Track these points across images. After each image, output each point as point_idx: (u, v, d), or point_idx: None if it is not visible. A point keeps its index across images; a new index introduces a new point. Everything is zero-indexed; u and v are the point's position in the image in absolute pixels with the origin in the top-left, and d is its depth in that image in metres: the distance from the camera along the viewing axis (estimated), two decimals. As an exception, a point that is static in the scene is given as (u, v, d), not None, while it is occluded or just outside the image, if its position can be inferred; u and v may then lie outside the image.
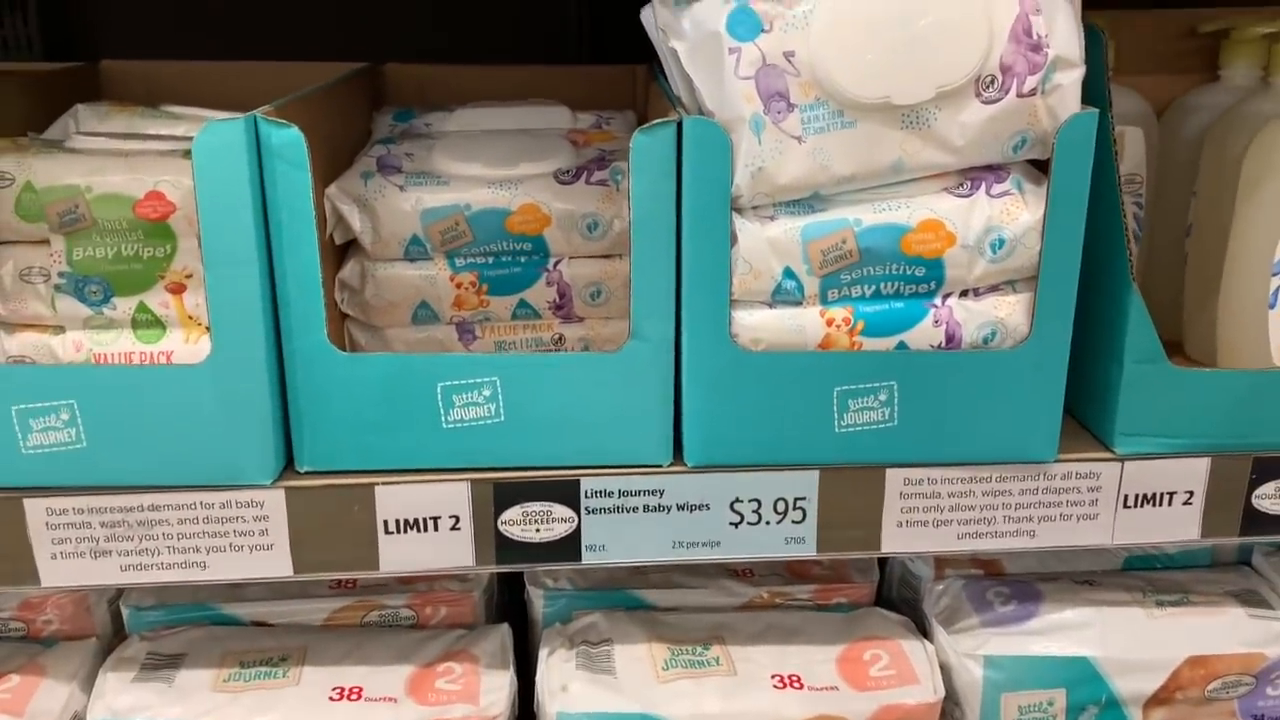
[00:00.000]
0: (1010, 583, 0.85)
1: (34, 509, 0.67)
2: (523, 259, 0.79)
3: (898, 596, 0.91)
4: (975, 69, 0.63)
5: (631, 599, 0.86)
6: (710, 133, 0.64)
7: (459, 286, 0.79)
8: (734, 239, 0.67)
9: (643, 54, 1.02)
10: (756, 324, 0.68)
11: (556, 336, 0.82)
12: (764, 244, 0.66)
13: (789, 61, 0.63)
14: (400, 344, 0.81)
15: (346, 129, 0.87)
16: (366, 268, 0.78)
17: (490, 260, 0.78)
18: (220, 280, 0.65)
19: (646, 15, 0.73)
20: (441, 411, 0.69)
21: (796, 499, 0.71)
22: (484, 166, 0.79)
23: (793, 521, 0.72)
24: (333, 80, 0.83)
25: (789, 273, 0.67)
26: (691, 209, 0.66)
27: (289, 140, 0.64)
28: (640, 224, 0.66)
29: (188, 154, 0.73)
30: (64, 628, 0.85)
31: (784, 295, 0.68)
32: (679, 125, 0.65)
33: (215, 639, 0.82)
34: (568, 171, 0.79)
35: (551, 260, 0.79)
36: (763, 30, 0.63)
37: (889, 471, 0.71)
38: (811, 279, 0.67)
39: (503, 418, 0.69)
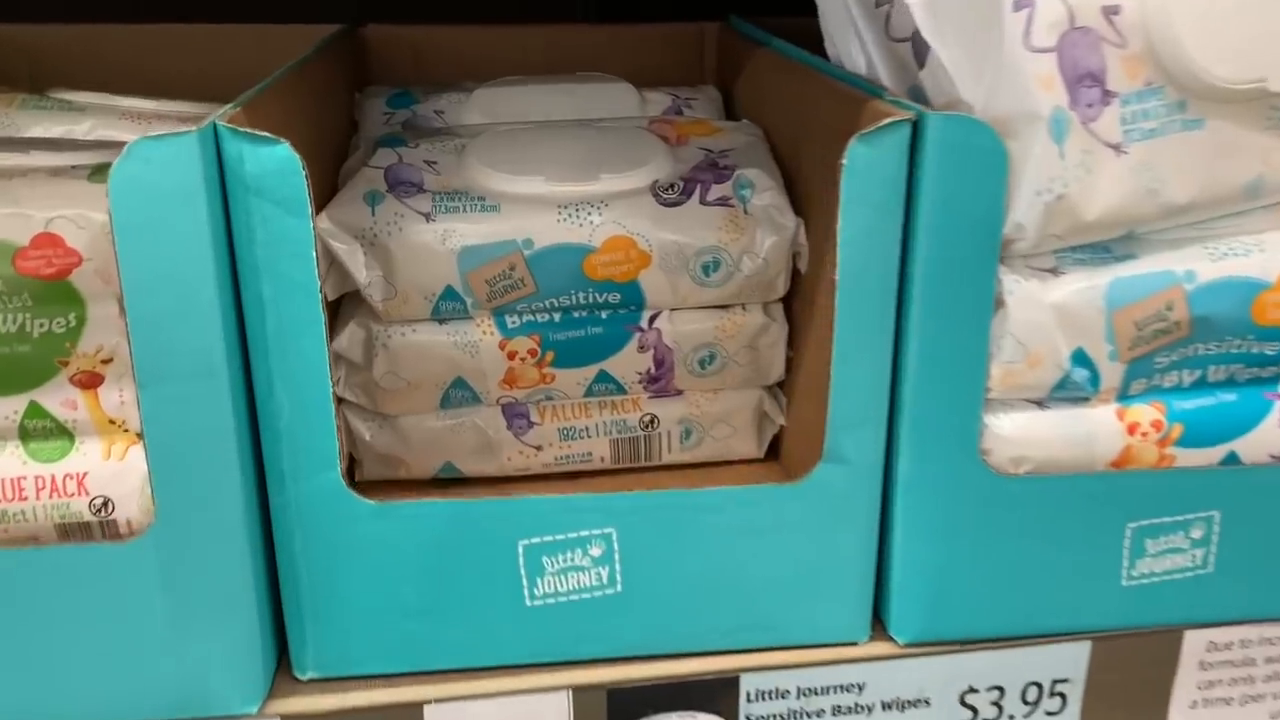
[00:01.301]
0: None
1: None
2: (605, 314, 0.54)
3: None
4: (1386, 30, 0.39)
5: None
6: (978, 139, 0.39)
7: (513, 356, 0.54)
8: (998, 304, 0.42)
9: (662, 10, 0.77)
10: (1023, 434, 0.44)
11: (647, 419, 0.58)
12: (1048, 313, 0.42)
13: (1110, 23, 0.38)
14: (420, 435, 0.56)
15: (325, 125, 0.60)
16: (374, 334, 0.53)
17: (559, 318, 0.54)
18: (164, 403, 0.39)
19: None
20: (525, 583, 0.45)
21: (1055, 682, 0.48)
22: (550, 180, 0.53)
23: (1047, 713, 0.48)
24: (306, 55, 0.56)
25: (1081, 357, 0.43)
26: (932, 259, 0.41)
27: (277, 165, 0.38)
28: (850, 282, 0.41)
29: (98, 171, 0.47)
30: None
31: (1068, 390, 0.44)
32: (914, 126, 0.40)
33: None
34: (670, 186, 0.54)
35: (646, 315, 0.54)
36: (1067, -29, 0.38)
37: (1189, 634, 0.48)
38: (1114, 365, 0.43)
39: (619, 587, 0.45)
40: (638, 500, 0.44)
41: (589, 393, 0.57)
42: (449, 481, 0.59)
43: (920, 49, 0.44)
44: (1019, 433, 0.44)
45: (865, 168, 0.40)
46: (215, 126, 0.37)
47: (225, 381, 0.39)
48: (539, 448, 0.59)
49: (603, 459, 0.59)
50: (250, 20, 0.74)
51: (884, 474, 0.45)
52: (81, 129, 0.61)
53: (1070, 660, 0.47)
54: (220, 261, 0.38)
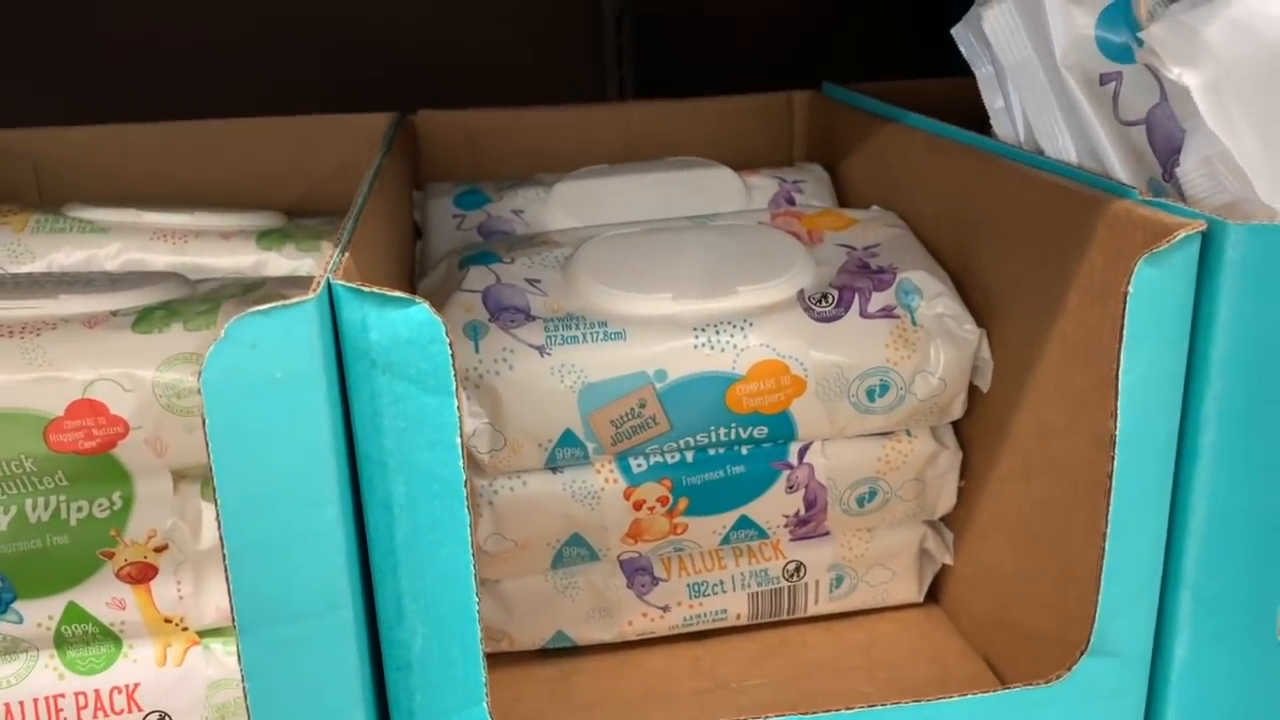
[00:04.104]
0: None
1: None
2: (747, 450, 0.45)
3: None
4: None
5: None
6: (1298, 255, 0.31)
7: (639, 506, 0.46)
8: (1310, 456, 0.33)
9: (700, 84, 0.70)
10: (1332, 608, 0.35)
11: (791, 567, 0.49)
12: (1375, 464, 0.33)
13: None
14: (526, 601, 0.48)
15: (397, 238, 0.51)
16: (478, 491, 0.44)
17: (692, 458, 0.45)
18: (272, 651, 0.29)
19: (998, 19, 0.40)
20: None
21: None
22: (679, 298, 0.45)
23: None
24: (379, 160, 0.47)
25: None
26: (1230, 401, 0.32)
27: (412, 332, 0.29)
28: (1132, 435, 0.32)
29: (142, 319, 0.38)
30: None
31: (1391, 553, 0.35)
32: (1203, 239, 0.31)
33: None
34: (823, 297, 0.45)
35: (795, 449, 0.46)
36: None
37: None
38: None
39: (834, 819, 0.35)
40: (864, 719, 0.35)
41: (725, 540, 0.48)
42: (559, 653, 0.50)
43: (1165, 133, 0.35)
44: (1328, 606, 0.35)
45: (1153, 295, 0.31)
46: (330, 287, 0.28)
47: (349, 615, 0.29)
48: (665, 608, 0.50)
49: (739, 616, 0.50)
50: (267, 113, 0.66)
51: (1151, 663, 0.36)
52: (106, 253, 0.52)
53: None
54: (341, 463, 0.29)
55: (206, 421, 0.26)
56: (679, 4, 0.96)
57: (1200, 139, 0.34)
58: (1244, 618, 0.35)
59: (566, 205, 0.56)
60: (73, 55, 0.83)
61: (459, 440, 0.30)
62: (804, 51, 0.96)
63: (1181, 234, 0.31)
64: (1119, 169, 0.38)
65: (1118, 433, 0.32)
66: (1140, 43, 0.34)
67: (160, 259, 0.52)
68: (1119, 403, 0.32)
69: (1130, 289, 0.31)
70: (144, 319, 0.41)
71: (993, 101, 0.45)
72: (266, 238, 0.53)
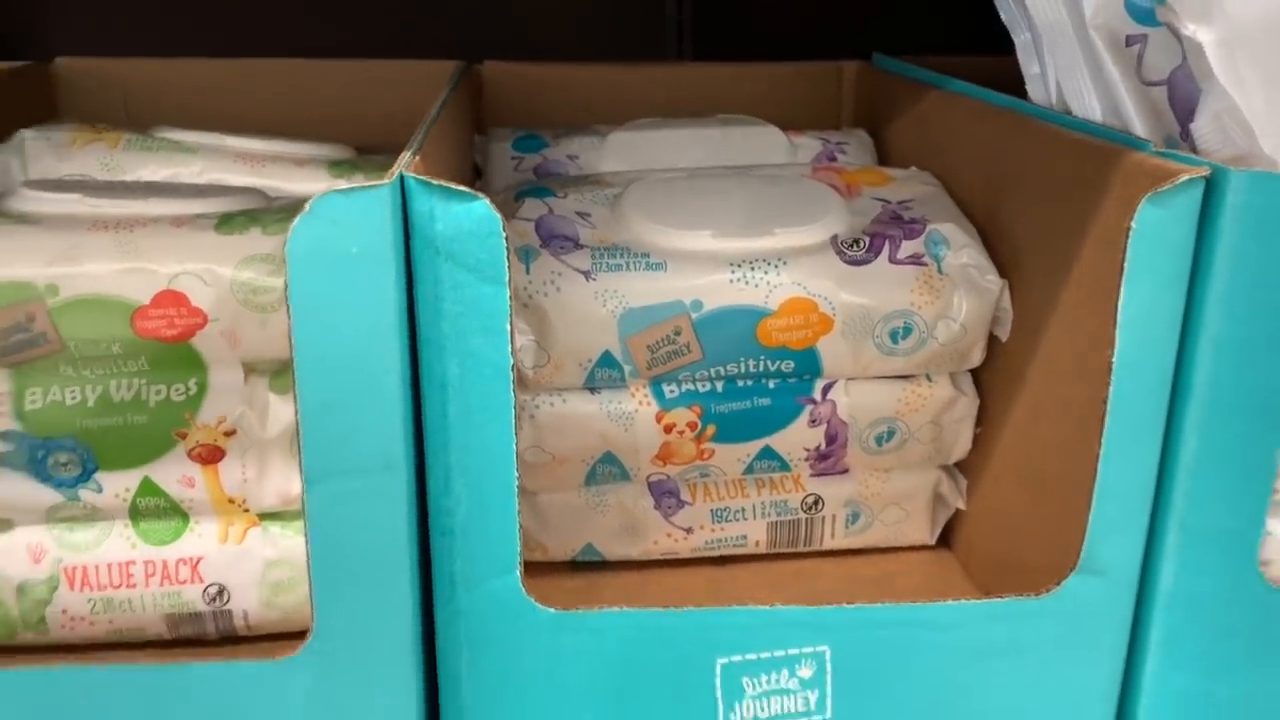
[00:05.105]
0: None
1: None
2: (774, 384, 0.48)
3: None
4: None
5: None
6: (1291, 200, 0.33)
7: (670, 430, 0.49)
8: (1297, 394, 0.36)
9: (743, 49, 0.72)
10: (1310, 544, 0.37)
11: (810, 500, 0.52)
12: (1357, 406, 0.35)
13: None
14: (560, 514, 0.51)
15: (459, 171, 0.54)
16: (520, 404, 0.47)
17: (722, 388, 0.48)
18: (334, 501, 0.32)
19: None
20: (721, 708, 0.38)
21: (1326, 829, 0.41)
22: (719, 235, 0.48)
23: None
24: (445, 95, 0.51)
25: (1391, 456, 0.36)
26: (1224, 339, 0.35)
27: (474, 225, 0.32)
28: (1128, 366, 0.35)
29: (224, 222, 0.42)
30: None
31: (1370, 494, 0.37)
32: (1207, 185, 0.34)
33: None
34: (854, 242, 0.48)
35: (819, 385, 0.48)
36: None
37: None
38: None
39: (829, 713, 0.38)
40: (858, 615, 0.38)
41: (748, 470, 0.51)
42: (587, 565, 0.53)
43: (1184, 93, 0.38)
44: (1306, 541, 0.38)
45: (1155, 233, 0.34)
46: (403, 179, 0.32)
47: (404, 476, 0.33)
48: (689, 530, 0.53)
49: (758, 543, 0.53)
50: (342, 55, 0.69)
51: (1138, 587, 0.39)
52: (190, 171, 0.56)
53: (1345, 804, 0.41)
54: (403, 338, 0.32)
55: (289, 287, 0.30)
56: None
57: (1212, 95, 0.36)
58: (1228, 549, 0.37)
59: (619, 153, 0.59)
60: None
61: (508, 327, 0.33)
62: (860, 27, 0.98)
63: (1185, 177, 0.33)
64: (1139, 126, 0.40)
65: (1114, 361, 0.35)
66: (1163, 0, 0.37)
67: (239, 179, 0.56)
68: (1117, 333, 0.34)
69: (1133, 225, 0.34)
70: (226, 222, 0.44)
71: (1029, 68, 0.48)
72: (338, 167, 0.57)
